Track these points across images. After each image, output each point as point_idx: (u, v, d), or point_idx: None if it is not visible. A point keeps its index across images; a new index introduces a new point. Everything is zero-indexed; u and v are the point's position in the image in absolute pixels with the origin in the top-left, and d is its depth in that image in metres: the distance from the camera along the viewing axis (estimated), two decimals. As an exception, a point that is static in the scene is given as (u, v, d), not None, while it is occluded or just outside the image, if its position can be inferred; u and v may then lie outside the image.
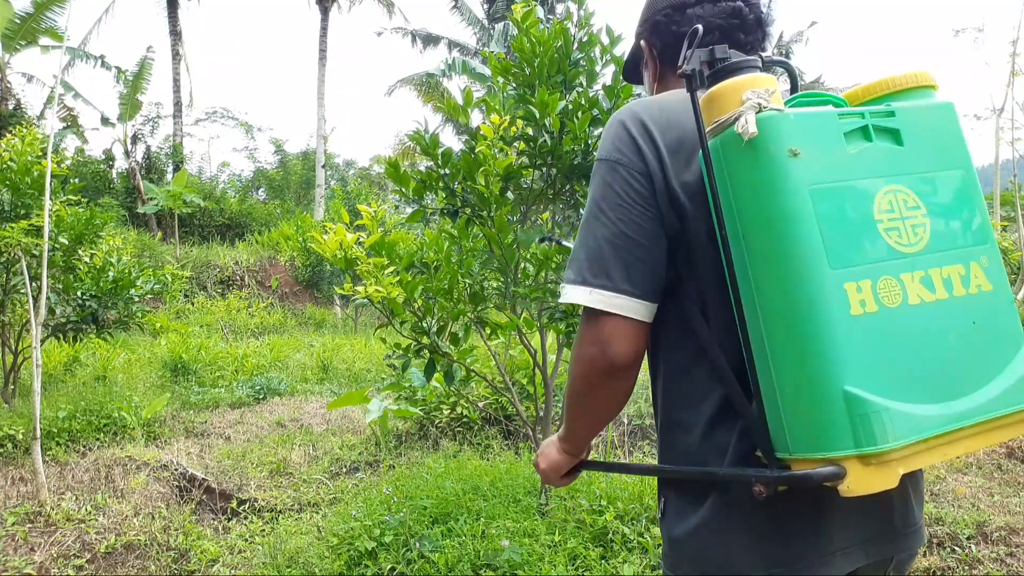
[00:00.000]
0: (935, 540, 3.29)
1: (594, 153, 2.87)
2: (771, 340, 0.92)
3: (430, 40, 19.15)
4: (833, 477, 0.86)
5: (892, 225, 0.92)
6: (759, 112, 0.91)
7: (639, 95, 2.86)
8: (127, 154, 17.75)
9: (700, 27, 1.03)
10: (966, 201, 0.98)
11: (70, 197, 5.03)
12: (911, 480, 1.09)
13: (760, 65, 0.98)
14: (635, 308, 1.01)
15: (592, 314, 1.02)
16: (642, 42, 1.27)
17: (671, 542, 1.10)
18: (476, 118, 11.02)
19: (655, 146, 1.04)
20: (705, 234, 1.01)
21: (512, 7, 2.86)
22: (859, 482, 0.86)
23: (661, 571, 1.18)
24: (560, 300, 1.09)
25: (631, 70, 1.39)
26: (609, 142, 1.08)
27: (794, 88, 1.13)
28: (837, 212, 0.90)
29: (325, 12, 20.27)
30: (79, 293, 5.22)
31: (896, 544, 1.07)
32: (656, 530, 2.92)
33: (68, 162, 4.78)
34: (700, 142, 0.96)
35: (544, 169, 2.95)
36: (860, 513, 1.03)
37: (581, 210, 2.84)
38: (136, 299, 5.53)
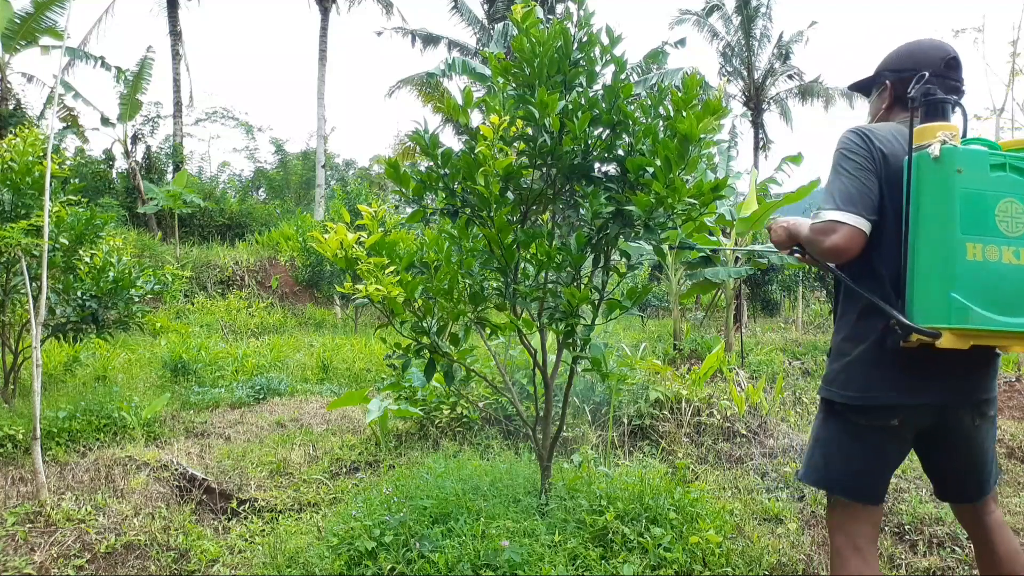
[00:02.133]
0: (935, 540, 3.29)
1: (594, 153, 2.89)
2: (920, 265, 1.76)
3: (430, 40, 19.15)
4: (934, 335, 1.71)
5: (1004, 219, 1.71)
6: (944, 145, 1.70)
7: (639, 94, 2.88)
8: (127, 154, 17.75)
9: (926, 73, 1.85)
10: None
11: (70, 197, 5.03)
12: (992, 366, 1.93)
13: (952, 103, 1.82)
14: (866, 224, 1.84)
15: (841, 225, 1.83)
16: (887, 82, 2.04)
17: (827, 374, 1.99)
18: (476, 118, 11.01)
19: (875, 146, 1.87)
20: (889, 205, 1.85)
21: (512, 7, 2.85)
22: (947, 341, 1.69)
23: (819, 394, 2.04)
24: (816, 220, 1.88)
25: (862, 87, 2.18)
26: (845, 140, 1.92)
27: (964, 120, 1.86)
28: (972, 205, 1.70)
29: (325, 12, 20.29)
30: (79, 293, 5.22)
31: (970, 397, 1.89)
32: (656, 530, 2.92)
33: (69, 163, 4.78)
34: (908, 150, 1.79)
35: (544, 169, 2.95)
36: (943, 377, 1.85)
37: (581, 210, 2.84)
38: (136, 299, 5.53)
